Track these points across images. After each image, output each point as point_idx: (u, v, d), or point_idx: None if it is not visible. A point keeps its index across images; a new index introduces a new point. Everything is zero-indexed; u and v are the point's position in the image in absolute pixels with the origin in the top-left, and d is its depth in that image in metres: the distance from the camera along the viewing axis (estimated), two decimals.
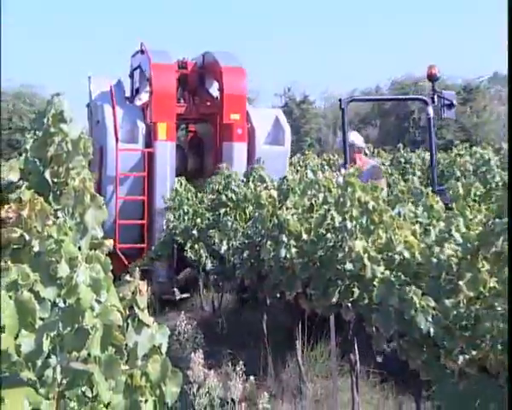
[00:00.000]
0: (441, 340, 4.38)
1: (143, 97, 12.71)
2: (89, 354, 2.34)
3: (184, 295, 11.30)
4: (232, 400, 4.54)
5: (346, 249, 5.51)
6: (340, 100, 9.61)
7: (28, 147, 2.41)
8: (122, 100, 12.46)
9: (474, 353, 4.17)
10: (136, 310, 2.73)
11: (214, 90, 12.62)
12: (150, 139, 11.47)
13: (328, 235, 5.84)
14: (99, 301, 2.35)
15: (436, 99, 9.71)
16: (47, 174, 2.39)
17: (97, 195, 2.54)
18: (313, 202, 6.43)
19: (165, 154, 11.42)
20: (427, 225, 5.48)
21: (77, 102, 14.19)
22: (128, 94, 13.51)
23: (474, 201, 5.45)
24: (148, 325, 2.75)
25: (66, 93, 2.61)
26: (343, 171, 7.45)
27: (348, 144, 9.83)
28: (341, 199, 5.87)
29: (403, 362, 5.08)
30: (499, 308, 3.90)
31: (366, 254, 5.35)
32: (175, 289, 11.25)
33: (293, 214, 6.47)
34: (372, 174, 8.97)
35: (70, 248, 2.28)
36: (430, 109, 9.79)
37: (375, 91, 46.39)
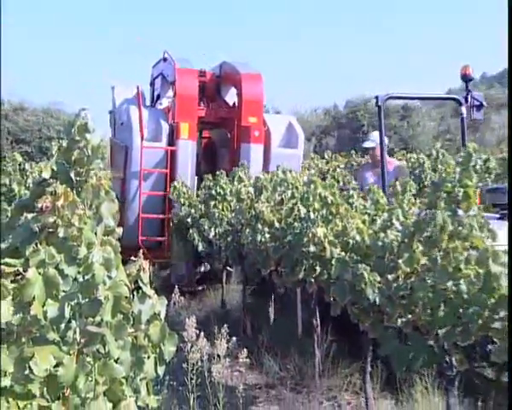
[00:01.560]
0: (384, 307, 4.39)
1: (164, 102, 11.84)
2: (101, 320, 2.33)
3: (200, 288, 10.24)
4: (218, 355, 4.54)
5: (310, 235, 5.53)
6: (376, 97, 7.63)
7: (54, 152, 2.42)
8: (145, 104, 11.34)
9: (409, 316, 4.18)
10: (140, 284, 2.73)
11: (229, 98, 11.45)
12: (173, 139, 10.37)
13: (296, 223, 5.87)
14: (110, 277, 2.35)
15: (469, 99, 7.88)
16: (72, 174, 2.40)
17: (111, 191, 2.53)
18: (283, 196, 6.45)
19: (187, 152, 10.32)
20: (374, 216, 5.52)
21: (98, 112, 13.13)
22: (148, 102, 12.36)
23: (413, 196, 5.48)
24: (149, 296, 2.73)
25: (90, 106, 2.61)
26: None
27: (370, 145, 8.69)
28: (306, 195, 5.90)
29: (355, 325, 5.12)
30: (429, 281, 3.90)
31: (326, 239, 5.37)
32: (193, 282, 10.31)
33: (267, 207, 6.49)
34: (398, 174, 7.85)
35: (88, 235, 2.28)
36: (463, 109, 8.11)
37: (333, 109, 46.38)
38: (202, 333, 4.52)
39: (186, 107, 10.28)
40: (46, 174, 2.33)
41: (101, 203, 2.52)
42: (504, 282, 3.54)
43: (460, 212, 4.00)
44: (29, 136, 29.61)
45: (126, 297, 2.44)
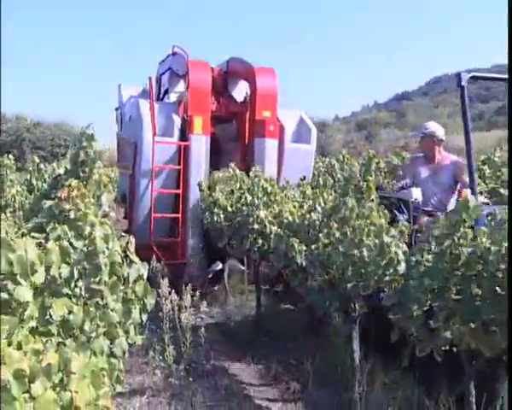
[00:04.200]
0: (309, 269, 4.48)
1: (172, 97, 9.13)
2: (100, 280, 2.42)
3: (215, 288, 7.73)
4: (185, 306, 4.60)
5: (254, 216, 5.64)
6: (458, 74, 4.90)
7: (67, 155, 2.47)
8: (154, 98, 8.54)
9: (326, 276, 4.30)
10: (128, 253, 2.81)
11: (236, 94, 8.93)
12: (185, 133, 7.84)
13: (244, 208, 5.95)
14: (108, 248, 2.41)
15: None
16: (79, 171, 2.45)
17: (109, 185, 2.60)
18: (233, 188, 6.51)
19: (201, 147, 7.77)
20: (302, 202, 5.65)
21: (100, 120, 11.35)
22: (154, 98, 9.24)
23: (331, 187, 5.61)
24: (135, 262, 2.81)
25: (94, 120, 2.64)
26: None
27: (423, 134, 5.69)
28: (251, 186, 6.01)
29: (287, 283, 5.23)
30: (341, 249, 4.00)
31: (266, 219, 5.48)
32: (206, 283, 7.61)
33: (221, 195, 6.56)
34: (454, 170, 5.50)
35: (91, 217, 2.35)
36: None
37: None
38: (173, 290, 4.58)
39: (199, 100, 7.95)
40: (61, 171, 2.39)
41: (101, 194, 2.60)
42: (393, 248, 3.73)
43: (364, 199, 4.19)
44: (44, 143, 30.90)
45: (119, 263, 2.52)
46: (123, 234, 2.79)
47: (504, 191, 4.97)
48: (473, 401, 3.14)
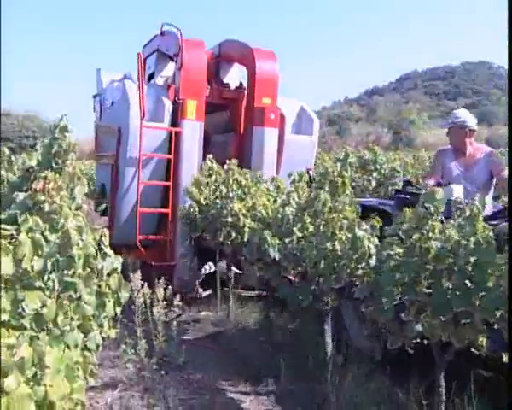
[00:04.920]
0: (282, 262, 4.51)
1: (159, 81, 8.01)
2: (74, 272, 2.39)
3: (207, 293, 6.87)
4: (157, 299, 4.59)
5: (228, 209, 5.64)
6: None
7: (39, 147, 2.43)
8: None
9: (299, 269, 4.34)
10: (102, 246, 2.78)
11: (228, 80, 7.91)
12: (176, 119, 6.88)
13: (218, 200, 5.95)
14: (82, 240, 2.38)
15: None
16: (53, 163, 2.41)
17: (81, 176, 2.56)
18: (208, 180, 6.49)
19: (194, 134, 6.87)
20: (276, 196, 5.67)
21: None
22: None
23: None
24: (109, 255, 2.79)
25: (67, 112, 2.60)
26: None
27: (453, 124, 5.05)
28: (226, 179, 6.00)
29: (261, 277, 5.24)
30: (314, 243, 4.07)
31: (240, 212, 5.50)
32: (198, 287, 6.88)
33: (195, 188, 6.51)
34: (489, 163, 4.87)
35: (66, 209, 2.31)
36: None
37: None
38: (145, 283, 4.56)
39: (193, 81, 6.99)
40: (33, 162, 2.34)
41: (74, 186, 2.56)
42: (365, 241, 3.78)
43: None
44: (11, 135, 30.43)
45: (93, 255, 2.49)
46: (97, 226, 2.75)
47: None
48: (442, 392, 3.21)
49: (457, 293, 2.91)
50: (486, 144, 5.67)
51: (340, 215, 4.07)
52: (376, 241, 3.82)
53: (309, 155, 7.52)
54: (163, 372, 4.41)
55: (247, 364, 4.84)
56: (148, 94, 6.70)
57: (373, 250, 3.74)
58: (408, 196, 4.45)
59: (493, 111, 65.02)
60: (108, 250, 2.80)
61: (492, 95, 78.08)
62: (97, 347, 2.61)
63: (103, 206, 7.99)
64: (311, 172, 6.66)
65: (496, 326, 2.70)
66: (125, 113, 6.65)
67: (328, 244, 3.93)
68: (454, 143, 5.11)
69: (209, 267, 6.89)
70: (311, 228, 4.29)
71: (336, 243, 3.90)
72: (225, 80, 7.86)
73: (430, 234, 3.10)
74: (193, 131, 6.85)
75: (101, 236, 2.72)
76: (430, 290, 3.07)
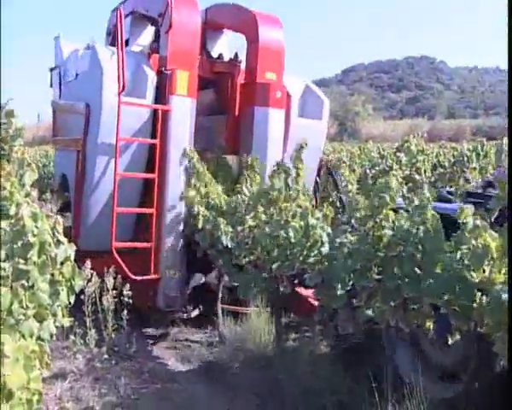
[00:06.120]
0: (234, 250, 4.58)
1: (135, 50, 6.29)
2: (28, 260, 2.34)
3: (196, 312, 5.62)
4: (107, 288, 4.53)
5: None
6: None
7: None
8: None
9: (251, 257, 4.41)
10: (56, 234, 2.73)
11: (215, 52, 6.49)
12: (162, 95, 5.41)
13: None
14: (37, 227, 2.33)
15: None
16: None
17: (32, 163, 2.50)
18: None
19: (185, 114, 5.44)
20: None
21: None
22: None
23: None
24: (63, 243, 2.74)
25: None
26: None
27: None
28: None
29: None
30: (268, 230, 4.13)
31: (195, 200, 5.45)
32: (186, 305, 5.60)
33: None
34: None
35: (17, 196, 2.26)
36: None
37: None
38: (95, 273, 4.48)
39: (185, 48, 5.52)
40: None
41: (24, 173, 2.50)
42: (318, 230, 3.87)
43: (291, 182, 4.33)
44: None
45: (48, 243, 2.45)
46: (50, 214, 2.70)
47: (419, 177, 5.31)
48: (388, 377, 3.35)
49: (407, 279, 3.03)
50: (428, 137, 5.81)
51: (294, 203, 4.16)
52: (329, 229, 3.92)
53: (318, 144, 6.31)
54: (114, 362, 4.37)
55: (197, 352, 4.85)
56: (125, 63, 5.11)
57: (325, 238, 3.84)
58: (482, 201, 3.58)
59: (434, 105, 67.29)
60: (62, 238, 2.74)
61: (434, 89, 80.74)
62: (51, 336, 2.57)
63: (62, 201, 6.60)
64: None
65: (442, 311, 2.83)
66: (95, 85, 5.24)
67: (282, 232, 4.00)
68: None
69: (198, 279, 5.65)
70: (263, 217, 4.36)
71: (289, 230, 3.97)
72: (213, 53, 6.51)
73: (384, 223, 3.21)
74: (184, 110, 5.45)
75: (55, 223, 2.67)
76: (381, 277, 3.19)
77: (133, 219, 5.56)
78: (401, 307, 3.08)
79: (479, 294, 2.63)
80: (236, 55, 6.33)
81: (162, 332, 5.60)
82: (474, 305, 2.64)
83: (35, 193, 2.96)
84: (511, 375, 2.28)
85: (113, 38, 6.38)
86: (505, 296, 2.42)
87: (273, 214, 4.18)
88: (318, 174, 5.99)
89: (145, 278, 5.29)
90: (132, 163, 5.39)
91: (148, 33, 6.53)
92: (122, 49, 5.04)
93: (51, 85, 6.69)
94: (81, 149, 5.42)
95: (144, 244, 5.37)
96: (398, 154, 6.43)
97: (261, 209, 4.33)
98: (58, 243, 2.72)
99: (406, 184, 5.42)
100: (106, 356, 4.36)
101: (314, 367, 3.93)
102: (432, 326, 3.03)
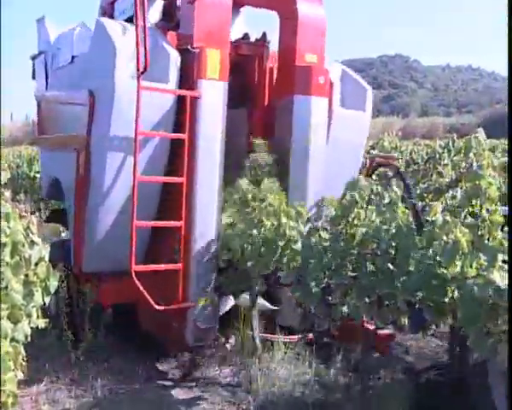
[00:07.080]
0: None
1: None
2: (1, 260, 2.32)
3: (232, 342, 4.56)
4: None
5: None
6: None
7: None
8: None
9: (225, 257, 4.36)
10: (30, 234, 2.71)
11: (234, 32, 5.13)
12: (188, 79, 4.32)
13: None
14: (9, 227, 2.31)
15: None
16: None
17: (3, 161, 2.47)
18: None
19: (218, 102, 4.35)
20: None
21: None
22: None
23: None
24: (37, 244, 2.73)
25: None
26: None
27: None
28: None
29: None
30: (240, 231, 4.17)
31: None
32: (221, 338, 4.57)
33: None
34: None
35: None
36: None
37: None
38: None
39: (216, 21, 4.43)
40: None
41: None
42: (291, 231, 3.92)
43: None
44: None
45: (22, 243, 2.43)
46: (23, 214, 2.68)
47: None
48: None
49: (381, 276, 3.10)
50: (402, 135, 5.84)
51: (265, 202, 4.18)
52: (302, 227, 3.97)
53: (360, 140, 5.41)
54: (90, 364, 4.35)
55: (176, 353, 4.84)
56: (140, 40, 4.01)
57: (297, 237, 3.89)
58: None
59: (408, 103, 68.15)
60: (36, 238, 2.73)
61: (408, 87, 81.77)
62: (26, 338, 2.56)
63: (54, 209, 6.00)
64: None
65: (417, 306, 2.89)
66: (105, 66, 4.18)
67: (255, 231, 4.03)
68: None
69: (228, 303, 4.64)
70: (236, 217, 4.37)
71: (263, 229, 4.01)
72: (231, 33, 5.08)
73: (356, 221, 3.27)
74: (216, 97, 4.37)
75: (29, 223, 2.66)
76: (356, 274, 3.24)
77: (148, 233, 4.46)
78: (376, 303, 3.14)
79: (451, 288, 2.69)
80: (264, 34, 5.23)
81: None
82: (446, 300, 2.71)
83: (8, 193, 2.93)
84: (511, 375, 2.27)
85: (109, 16, 5.16)
86: (476, 290, 2.48)
87: (246, 213, 4.16)
88: (370, 175, 4.68)
89: (172, 307, 4.26)
90: (151, 164, 4.27)
91: (155, 10, 5.22)
92: (145, 25, 3.99)
93: (34, 77, 5.67)
94: (83, 147, 4.34)
95: (172, 266, 4.30)
96: (372, 151, 6.50)
97: (234, 209, 4.34)
98: (32, 243, 2.71)
99: (380, 180, 5.37)
100: (82, 358, 4.34)
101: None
102: (406, 322, 3.10)
